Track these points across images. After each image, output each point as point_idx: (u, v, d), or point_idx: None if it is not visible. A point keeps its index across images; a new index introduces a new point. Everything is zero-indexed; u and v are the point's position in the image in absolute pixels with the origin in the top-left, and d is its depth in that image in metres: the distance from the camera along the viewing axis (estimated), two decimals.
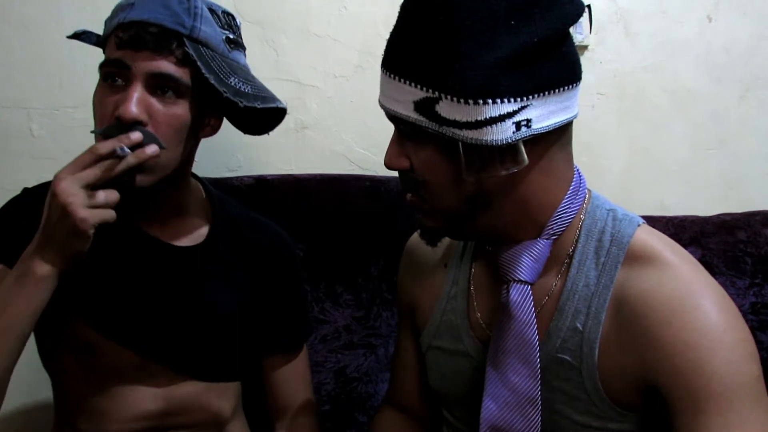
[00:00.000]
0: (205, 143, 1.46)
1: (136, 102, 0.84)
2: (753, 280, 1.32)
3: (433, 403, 0.97)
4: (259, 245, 1.05)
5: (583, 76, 1.58)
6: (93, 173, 0.80)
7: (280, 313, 1.07)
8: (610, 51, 1.49)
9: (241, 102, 0.88)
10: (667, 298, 0.71)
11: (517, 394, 0.77)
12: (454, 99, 0.68)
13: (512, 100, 0.68)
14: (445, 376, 0.89)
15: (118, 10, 0.89)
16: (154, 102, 0.86)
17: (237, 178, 1.31)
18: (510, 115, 0.68)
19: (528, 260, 0.78)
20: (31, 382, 1.21)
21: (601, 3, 1.47)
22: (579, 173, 0.82)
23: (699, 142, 1.54)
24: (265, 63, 1.38)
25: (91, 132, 0.88)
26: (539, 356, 0.77)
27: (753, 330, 1.30)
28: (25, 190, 0.99)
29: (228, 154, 1.40)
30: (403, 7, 0.73)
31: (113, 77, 0.86)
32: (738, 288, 1.32)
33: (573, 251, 0.79)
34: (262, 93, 0.93)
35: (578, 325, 0.77)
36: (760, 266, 1.32)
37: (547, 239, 0.78)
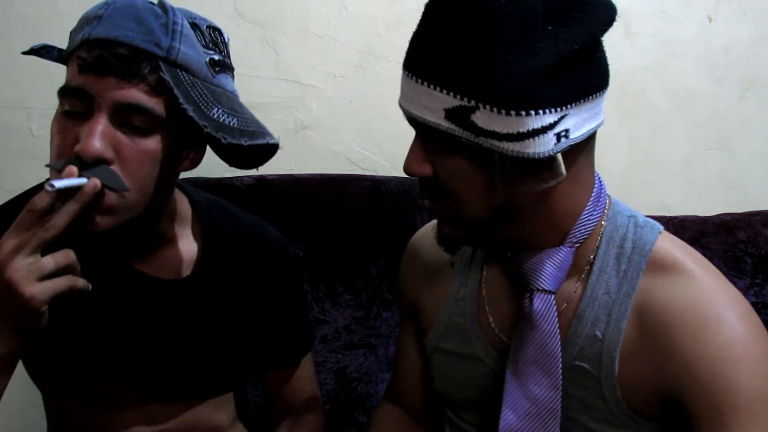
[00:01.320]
0: None
1: (99, 136, 0.72)
2: (753, 280, 1.32)
3: (434, 402, 0.96)
4: (255, 258, 0.97)
5: None
6: (36, 237, 0.68)
7: (281, 325, 1.01)
8: (610, 51, 1.47)
9: (225, 138, 0.74)
10: (692, 309, 0.70)
11: (537, 405, 0.76)
12: (494, 109, 0.64)
13: (553, 110, 0.65)
14: (452, 379, 0.88)
15: (83, 23, 0.75)
16: (121, 136, 0.73)
17: (237, 178, 1.31)
18: (551, 126, 0.66)
19: (551, 269, 0.76)
20: (22, 394, 1.20)
21: None
22: (600, 179, 0.80)
23: (699, 142, 1.54)
24: (265, 63, 1.38)
25: (46, 166, 0.75)
26: None
27: None
28: (19, 196, 0.91)
29: None
30: (431, 6, 0.69)
31: (74, 107, 0.74)
32: (738, 288, 1.31)
33: (594, 258, 0.78)
34: (249, 127, 0.80)
35: (598, 333, 0.75)
36: (761, 266, 1.32)
37: (570, 247, 0.77)
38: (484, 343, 0.84)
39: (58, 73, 1.32)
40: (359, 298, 1.31)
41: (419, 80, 0.68)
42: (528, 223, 0.75)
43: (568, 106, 0.67)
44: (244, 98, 1.24)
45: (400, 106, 0.72)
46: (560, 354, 0.75)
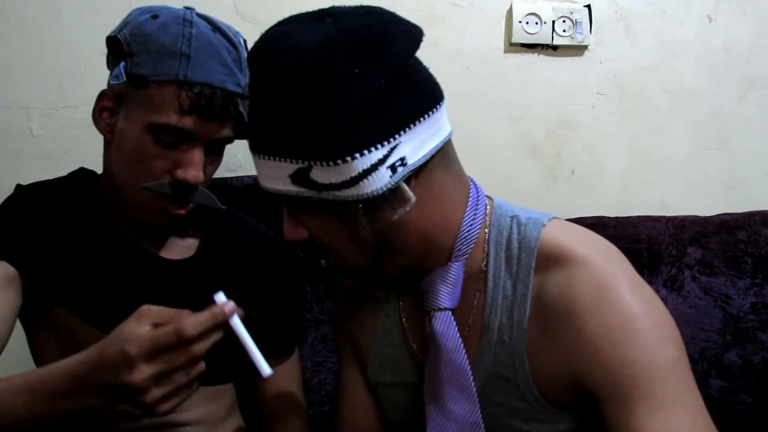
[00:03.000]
0: None
1: (200, 167, 0.85)
2: (753, 280, 1.32)
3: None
4: (254, 253, 1.04)
5: (583, 76, 1.58)
6: (180, 368, 0.66)
7: (275, 318, 1.05)
8: (610, 51, 1.49)
9: None
10: (581, 295, 0.71)
11: (458, 422, 0.77)
12: (323, 163, 0.67)
13: (379, 146, 0.67)
14: (395, 409, 0.89)
15: (165, 55, 0.83)
16: (207, 160, 0.88)
17: (237, 178, 1.31)
18: (382, 161, 0.67)
19: (443, 287, 0.77)
20: None
21: (601, 3, 1.47)
22: (476, 186, 0.81)
23: (699, 142, 1.54)
24: None
25: (144, 187, 0.86)
26: (477, 375, 0.77)
27: (753, 330, 1.30)
28: (19, 188, 0.97)
29: (228, 154, 1.40)
30: (250, 86, 0.74)
31: (172, 139, 0.85)
32: (738, 288, 1.32)
33: (486, 266, 0.78)
34: None
35: (506, 338, 0.76)
36: (761, 266, 1.32)
37: (457, 261, 0.77)
38: (415, 368, 0.85)
39: (58, 73, 1.32)
40: None
41: (262, 155, 0.71)
42: (407, 251, 0.76)
43: (396, 137, 0.68)
44: None
45: (261, 185, 0.75)
46: (469, 368, 0.76)
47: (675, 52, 1.51)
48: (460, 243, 0.77)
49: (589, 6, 1.46)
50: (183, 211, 0.89)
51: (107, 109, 0.90)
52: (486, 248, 0.79)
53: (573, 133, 1.50)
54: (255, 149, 0.72)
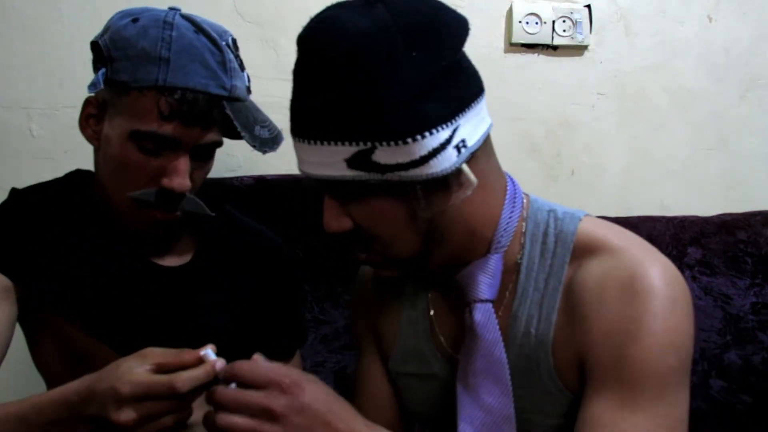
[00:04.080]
0: None
1: (186, 174, 0.83)
2: (753, 280, 1.32)
3: (402, 424, 0.95)
4: (252, 254, 1.03)
5: (583, 76, 1.58)
6: (165, 415, 0.67)
7: (275, 319, 1.05)
8: (610, 51, 1.49)
9: (266, 151, 0.87)
10: (613, 283, 0.71)
11: (492, 414, 0.77)
12: (391, 143, 0.66)
13: (444, 126, 0.68)
14: (418, 400, 0.89)
15: (144, 59, 0.81)
16: (194, 165, 0.86)
17: (237, 178, 1.31)
18: (448, 141, 0.68)
19: (484, 278, 0.78)
20: (27, 383, 1.21)
21: (601, 3, 1.47)
22: (512, 180, 0.82)
23: (699, 142, 1.54)
24: (265, 63, 1.38)
25: (130, 196, 0.85)
26: None
27: (753, 330, 1.30)
28: (13, 192, 0.96)
29: (228, 154, 1.40)
30: (297, 72, 0.71)
31: (155, 147, 0.82)
32: (738, 288, 1.32)
33: (521, 258, 0.79)
34: (274, 131, 0.90)
35: (531, 330, 0.77)
36: (761, 266, 1.32)
37: (497, 253, 0.78)
38: (441, 360, 0.85)
39: (58, 73, 1.32)
40: None
41: (311, 141, 0.70)
42: (453, 241, 0.76)
43: (456, 118, 0.69)
44: None
45: (302, 171, 0.74)
46: (506, 361, 0.76)
47: (675, 52, 1.51)
48: (499, 235, 0.78)
49: (589, 6, 1.46)
50: (171, 218, 0.87)
51: (93, 116, 0.88)
52: (522, 241, 0.80)
53: (573, 133, 1.50)
54: (304, 135, 0.70)
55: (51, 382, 0.99)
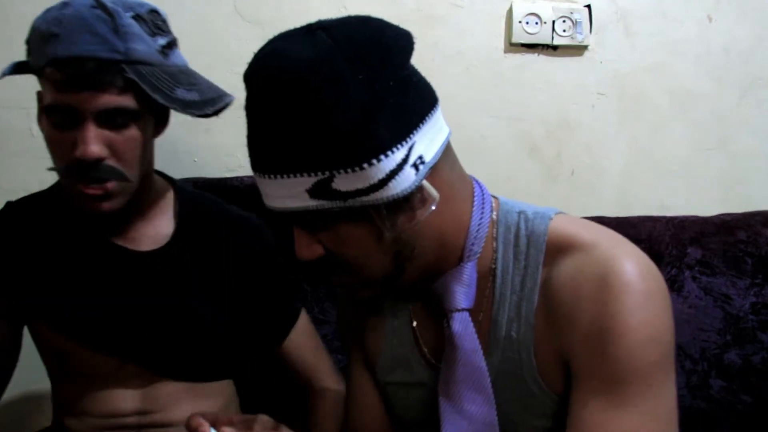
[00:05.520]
0: (205, 143, 1.46)
1: (93, 141, 0.84)
2: (753, 280, 1.32)
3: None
4: (235, 240, 1.04)
5: (583, 76, 1.58)
6: None
7: (263, 303, 1.06)
8: (610, 51, 1.49)
9: (193, 113, 0.87)
10: (587, 282, 0.71)
11: (474, 422, 0.77)
12: (348, 170, 0.66)
13: (399, 146, 0.67)
14: (406, 408, 0.89)
15: (39, 41, 0.85)
16: (109, 134, 0.85)
17: (237, 178, 1.31)
18: (405, 160, 0.68)
19: (459, 288, 0.78)
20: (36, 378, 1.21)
21: (601, 3, 1.47)
22: (479, 184, 0.81)
23: (699, 142, 1.54)
24: None
25: (49, 170, 0.88)
26: (488, 372, 0.77)
27: (753, 330, 1.30)
28: (8, 205, 1.00)
29: (228, 154, 1.40)
30: (249, 108, 0.71)
31: (62, 120, 0.85)
32: (738, 288, 1.32)
33: (495, 263, 0.79)
34: (209, 94, 0.91)
35: (513, 334, 0.77)
36: (761, 266, 1.32)
37: (470, 261, 0.78)
38: (425, 367, 0.85)
39: None
40: None
41: (271, 176, 0.69)
42: (425, 255, 0.76)
43: (411, 136, 0.69)
44: (244, 98, 1.22)
45: (268, 206, 0.73)
46: (486, 369, 0.76)
47: (675, 52, 1.51)
48: (470, 242, 0.77)
49: (589, 6, 1.46)
50: (98, 191, 0.87)
51: (40, 108, 0.91)
52: (495, 245, 0.79)
53: (573, 133, 1.50)
54: (263, 170, 0.70)
55: (51, 378, 1.01)
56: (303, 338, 1.11)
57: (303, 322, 1.12)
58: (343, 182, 0.67)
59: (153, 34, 0.88)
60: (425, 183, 0.70)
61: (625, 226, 1.34)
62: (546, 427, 0.77)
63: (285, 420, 0.78)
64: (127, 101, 0.85)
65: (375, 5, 1.39)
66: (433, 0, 1.42)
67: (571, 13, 1.45)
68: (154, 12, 0.90)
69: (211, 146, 1.40)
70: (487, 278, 0.79)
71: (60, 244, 0.96)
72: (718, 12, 1.51)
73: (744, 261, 1.32)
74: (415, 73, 0.73)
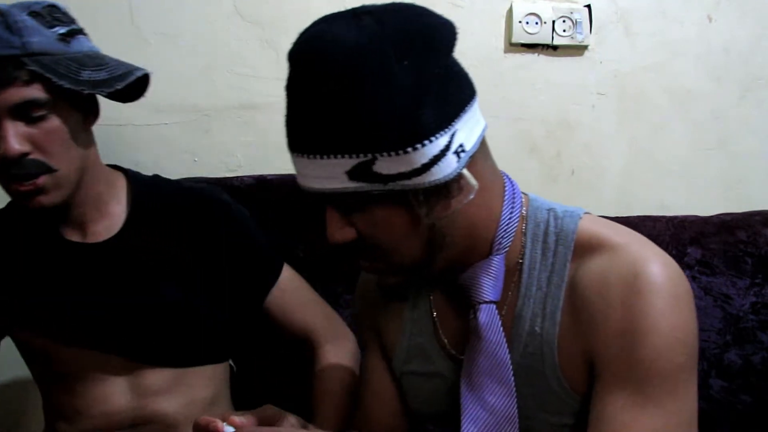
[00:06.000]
0: (205, 143, 1.46)
1: (13, 138, 0.85)
2: (753, 280, 1.32)
3: (407, 422, 0.95)
4: (192, 211, 1.05)
5: (583, 76, 1.58)
6: None
7: (238, 266, 1.06)
8: (610, 51, 1.49)
9: (103, 92, 0.89)
10: (616, 283, 0.72)
11: (495, 414, 0.77)
12: (391, 154, 0.67)
13: (442, 133, 0.68)
14: (422, 398, 0.89)
15: None
16: (28, 128, 0.87)
17: (237, 178, 1.31)
18: (447, 147, 0.69)
19: (487, 280, 0.78)
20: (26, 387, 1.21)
21: (601, 3, 1.47)
22: (510, 180, 0.82)
23: (699, 142, 1.54)
24: (265, 63, 1.38)
25: None
26: None
27: (753, 330, 1.30)
28: None
29: (228, 154, 1.40)
30: (291, 88, 0.71)
31: None
32: (738, 288, 1.32)
33: (522, 258, 0.80)
34: (118, 71, 0.92)
35: (536, 329, 0.77)
36: (761, 266, 1.32)
37: (499, 254, 0.78)
38: (444, 358, 0.86)
39: None
40: None
41: (310, 156, 0.70)
42: (456, 245, 0.76)
43: (453, 124, 0.69)
44: (244, 98, 1.25)
45: (302, 186, 0.74)
46: (509, 362, 0.77)
47: (675, 52, 1.51)
48: (500, 236, 0.78)
49: (589, 6, 1.46)
50: (29, 188, 0.88)
51: None
52: (523, 240, 0.80)
53: (573, 133, 1.50)
54: (301, 150, 0.71)
55: (38, 384, 1.02)
56: (289, 295, 1.10)
57: (287, 276, 1.11)
58: (386, 165, 0.68)
59: (51, 26, 0.90)
60: (465, 172, 0.71)
61: (624, 225, 1.34)
62: (561, 424, 0.77)
63: (286, 404, 0.78)
64: (35, 92, 0.86)
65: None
66: (433, 0, 1.42)
67: (571, 13, 1.45)
68: (50, 6, 0.92)
69: (211, 146, 1.40)
70: (513, 273, 0.80)
71: (18, 244, 0.97)
72: (718, 12, 1.51)
73: (744, 261, 1.32)
74: (455, 63, 0.74)
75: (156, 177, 1.09)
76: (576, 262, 0.77)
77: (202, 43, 1.38)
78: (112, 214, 1.00)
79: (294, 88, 0.71)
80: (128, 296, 0.97)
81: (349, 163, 0.68)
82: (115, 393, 0.97)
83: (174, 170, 1.14)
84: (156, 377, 0.98)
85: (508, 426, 0.77)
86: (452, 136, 0.69)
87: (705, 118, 1.53)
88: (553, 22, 1.44)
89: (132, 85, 0.94)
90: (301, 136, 0.71)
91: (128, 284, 0.98)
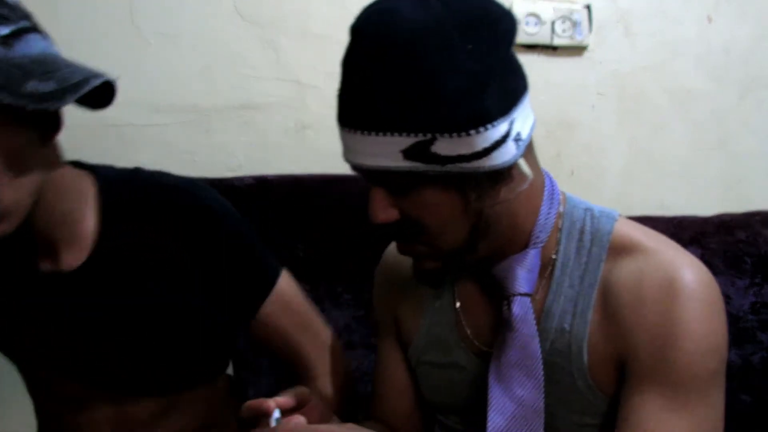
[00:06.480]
0: (205, 143, 1.46)
1: None
2: (753, 280, 1.32)
3: (420, 420, 0.95)
4: (174, 214, 0.90)
5: (583, 76, 1.58)
6: None
7: (232, 276, 0.93)
8: (610, 51, 1.49)
9: (51, 106, 0.72)
10: (651, 285, 0.73)
11: (523, 406, 0.77)
12: (453, 135, 0.66)
13: (503, 119, 0.68)
14: (437, 388, 0.89)
15: None
16: None
17: (237, 178, 1.31)
18: (507, 134, 0.69)
19: (523, 272, 0.78)
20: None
21: (601, 3, 1.47)
22: (549, 176, 0.82)
23: (699, 142, 1.54)
24: (265, 63, 1.38)
25: None
26: None
27: (753, 330, 1.30)
28: None
29: (228, 154, 1.40)
30: (351, 62, 0.70)
31: None
32: (738, 288, 1.32)
33: (556, 254, 0.80)
34: (71, 80, 0.75)
35: (565, 326, 0.77)
36: (760, 266, 1.32)
37: (535, 248, 0.79)
38: (464, 350, 0.85)
39: None
40: (359, 298, 1.31)
41: (365, 132, 0.68)
42: (498, 234, 0.76)
43: (512, 112, 0.70)
44: (244, 98, 1.24)
45: (350, 162, 0.73)
46: (540, 355, 0.77)
47: (675, 52, 1.51)
48: (538, 230, 0.78)
49: (588, 6, 1.46)
50: None
51: None
52: (558, 237, 0.80)
53: (573, 133, 1.50)
54: (357, 126, 0.69)
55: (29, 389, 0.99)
56: (280, 314, 0.96)
57: (281, 290, 0.96)
58: (445, 146, 0.67)
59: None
60: (521, 161, 0.71)
61: None
62: (582, 423, 0.78)
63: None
64: None
65: None
66: None
67: (571, 13, 1.45)
68: None
69: (211, 146, 1.40)
70: (545, 268, 0.80)
71: (4, 275, 0.89)
72: (718, 12, 1.51)
73: (743, 261, 1.32)
74: (514, 54, 0.74)
75: (134, 173, 0.94)
76: (609, 262, 0.77)
77: (202, 43, 1.38)
78: (83, 235, 0.87)
79: (355, 61, 0.70)
80: (103, 324, 0.88)
81: (406, 141, 0.67)
82: (102, 423, 0.90)
83: (174, 170, 1.14)
84: (142, 407, 0.91)
85: (535, 419, 0.77)
86: (511, 123, 0.69)
87: (705, 118, 1.53)
88: (553, 22, 1.44)
89: (96, 92, 0.78)
90: (357, 111, 0.69)
91: (103, 310, 0.88)
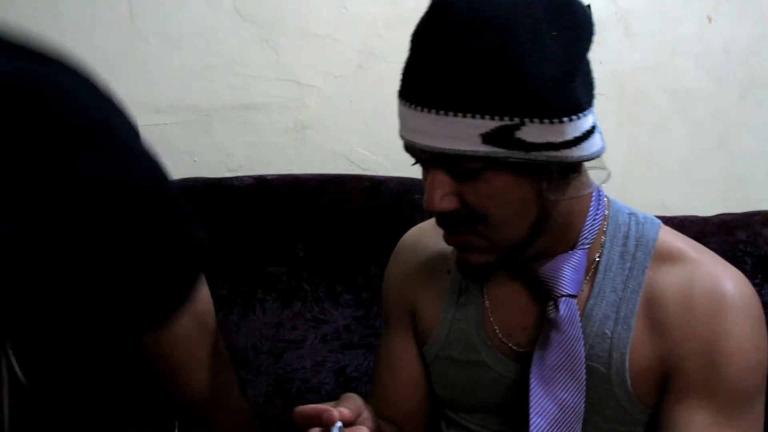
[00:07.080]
0: (205, 143, 1.46)
1: None
2: (753, 280, 1.32)
3: (426, 416, 0.93)
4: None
5: None
6: None
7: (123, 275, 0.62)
8: (610, 51, 1.49)
9: None
10: (702, 296, 0.72)
11: (565, 409, 0.76)
12: (544, 121, 0.63)
13: (588, 110, 0.67)
14: (456, 386, 0.87)
15: None
16: None
17: (237, 178, 1.31)
18: (594, 125, 0.68)
19: (570, 273, 0.76)
20: None
21: (601, 3, 1.47)
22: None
23: (699, 142, 1.54)
24: (265, 63, 1.38)
25: None
26: None
27: None
28: None
29: (228, 154, 1.40)
30: (429, 37, 0.65)
31: None
32: None
33: (599, 257, 0.79)
34: None
35: (606, 331, 0.76)
36: (760, 266, 1.32)
37: (582, 249, 0.77)
38: (491, 349, 0.83)
39: None
40: (359, 298, 1.31)
41: (440, 112, 0.64)
42: (553, 232, 0.74)
43: (592, 105, 0.69)
44: (244, 98, 1.24)
45: (415, 143, 0.67)
46: (584, 358, 0.75)
47: (675, 52, 1.51)
48: (586, 231, 0.77)
49: (588, 6, 1.46)
50: None
51: None
52: (603, 240, 0.79)
53: None
54: (429, 104, 0.64)
55: None
56: (180, 342, 0.73)
57: (193, 314, 0.71)
58: (534, 133, 0.64)
59: None
60: (602, 155, 0.69)
61: None
62: (613, 429, 0.77)
63: None
64: None
65: (375, 5, 1.39)
66: None
67: None
68: None
69: (211, 146, 1.40)
70: (588, 270, 0.79)
71: None
72: (718, 12, 1.51)
73: (744, 261, 1.32)
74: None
75: None
76: (654, 270, 0.76)
77: (202, 43, 1.38)
78: None
79: (433, 37, 0.65)
80: None
81: (489, 125, 0.63)
82: None
83: (174, 170, 1.14)
84: None
85: (575, 422, 0.76)
86: (592, 116, 0.68)
87: (705, 118, 1.53)
88: None
89: None
90: (434, 89, 0.64)
91: None
